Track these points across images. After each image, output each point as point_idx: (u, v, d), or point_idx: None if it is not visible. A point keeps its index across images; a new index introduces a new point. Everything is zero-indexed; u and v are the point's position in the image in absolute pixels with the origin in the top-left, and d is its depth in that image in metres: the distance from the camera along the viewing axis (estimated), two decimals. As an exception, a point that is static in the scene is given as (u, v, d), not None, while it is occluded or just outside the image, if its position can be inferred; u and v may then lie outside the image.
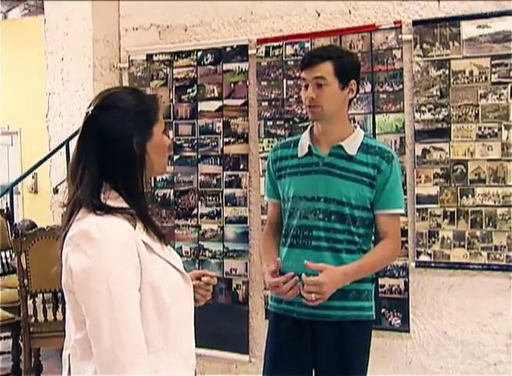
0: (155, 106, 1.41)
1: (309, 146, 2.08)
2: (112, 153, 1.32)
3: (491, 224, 2.99)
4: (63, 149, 4.05)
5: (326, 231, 2.03)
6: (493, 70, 2.97)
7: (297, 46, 3.37)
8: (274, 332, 2.17)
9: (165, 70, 3.74)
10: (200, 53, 3.64)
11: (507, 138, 2.96)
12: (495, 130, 2.97)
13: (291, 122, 3.39)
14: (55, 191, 4.18)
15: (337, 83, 1.99)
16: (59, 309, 3.31)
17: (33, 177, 6.58)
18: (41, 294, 3.35)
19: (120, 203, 1.33)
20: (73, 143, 3.86)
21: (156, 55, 3.77)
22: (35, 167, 4.36)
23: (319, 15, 3.38)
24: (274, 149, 2.21)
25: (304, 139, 2.11)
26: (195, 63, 3.66)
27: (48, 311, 3.32)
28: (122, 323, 1.23)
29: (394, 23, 3.17)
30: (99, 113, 1.34)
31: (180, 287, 1.39)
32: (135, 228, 1.32)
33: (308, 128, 2.16)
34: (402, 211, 2.10)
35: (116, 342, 1.22)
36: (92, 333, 1.24)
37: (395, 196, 2.06)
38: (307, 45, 3.35)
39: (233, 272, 3.55)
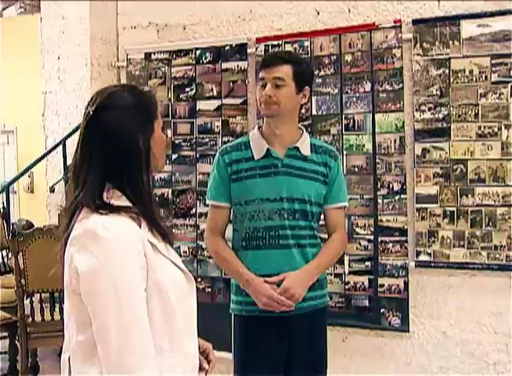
0: (153, 102, 1.42)
1: (268, 149, 2.14)
2: (118, 153, 1.30)
3: (491, 224, 2.99)
4: (60, 148, 4.02)
5: (291, 229, 2.14)
6: (493, 69, 2.96)
7: (296, 45, 3.36)
8: (252, 335, 2.20)
9: (163, 69, 3.72)
10: (198, 52, 3.62)
11: (507, 137, 2.95)
12: (495, 129, 2.97)
13: (290, 121, 3.38)
14: (52, 190, 4.16)
15: (294, 86, 2.10)
16: (57, 309, 3.29)
17: (29, 176, 6.56)
18: (38, 294, 3.31)
19: (124, 202, 1.31)
20: (69, 142, 3.92)
21: (154, 53, 3.75)
22: (31, 166, 4.34)
23: (318, 14, 3.37)
24: (224, 152, 2.21)
25: (257, 141, 2.18)
26: (193, 62, 3.63)
27: (45, 311, 3.29)
28: (130, 324, 1.21)
29: (394, 21, 3.16)
30: (100, 113, 1.32)
31: (184, 287, 1.38)
32: (140, 227, 1.31)
33: (256, 129, 2.23)
34: (347, 203, 2.29)
35: (124, 344, 1.20)
36: (99, 334, 1.22)
37: (342, 190, 2.25)
38: (306, 43, 3.34)
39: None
